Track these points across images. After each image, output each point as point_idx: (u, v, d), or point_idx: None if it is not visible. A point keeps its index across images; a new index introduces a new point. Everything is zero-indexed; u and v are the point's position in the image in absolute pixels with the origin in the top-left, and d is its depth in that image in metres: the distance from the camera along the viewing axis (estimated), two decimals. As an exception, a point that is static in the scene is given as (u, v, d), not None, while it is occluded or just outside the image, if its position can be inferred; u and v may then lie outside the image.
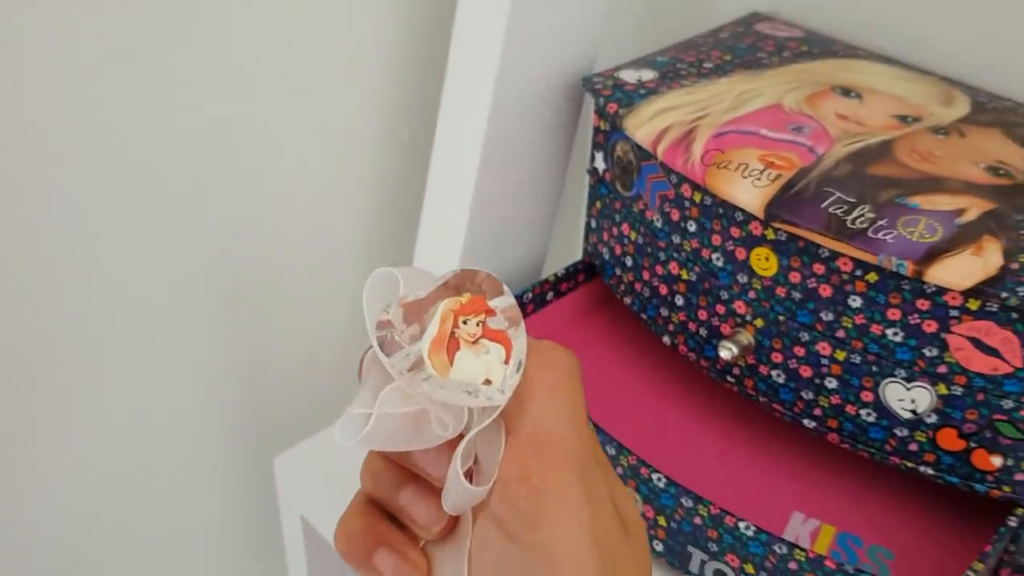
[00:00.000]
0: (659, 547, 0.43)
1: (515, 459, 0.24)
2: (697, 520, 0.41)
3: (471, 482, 0.24)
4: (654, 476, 0.41)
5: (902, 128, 0.43)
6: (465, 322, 0.24)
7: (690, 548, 0.42)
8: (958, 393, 0.38)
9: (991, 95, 0.47)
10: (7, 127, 0.43)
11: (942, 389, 0.38)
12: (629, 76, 0.48)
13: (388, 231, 0.65)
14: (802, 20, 0.56)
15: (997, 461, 0.38)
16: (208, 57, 0.49)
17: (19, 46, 0.42)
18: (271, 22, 0.51)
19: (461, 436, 0.24)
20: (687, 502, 0.41)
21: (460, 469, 0.23)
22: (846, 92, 0.46)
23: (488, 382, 0.24)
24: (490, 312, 0.25)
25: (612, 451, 0.43)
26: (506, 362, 0.24)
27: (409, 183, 0.63)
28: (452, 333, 0.24)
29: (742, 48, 0.50)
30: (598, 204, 0.51)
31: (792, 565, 0.38)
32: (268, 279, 0.60)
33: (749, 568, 0.40)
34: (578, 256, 0.57)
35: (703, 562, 0.42)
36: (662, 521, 0.42)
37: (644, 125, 0.43)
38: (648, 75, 0.48)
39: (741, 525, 0.39)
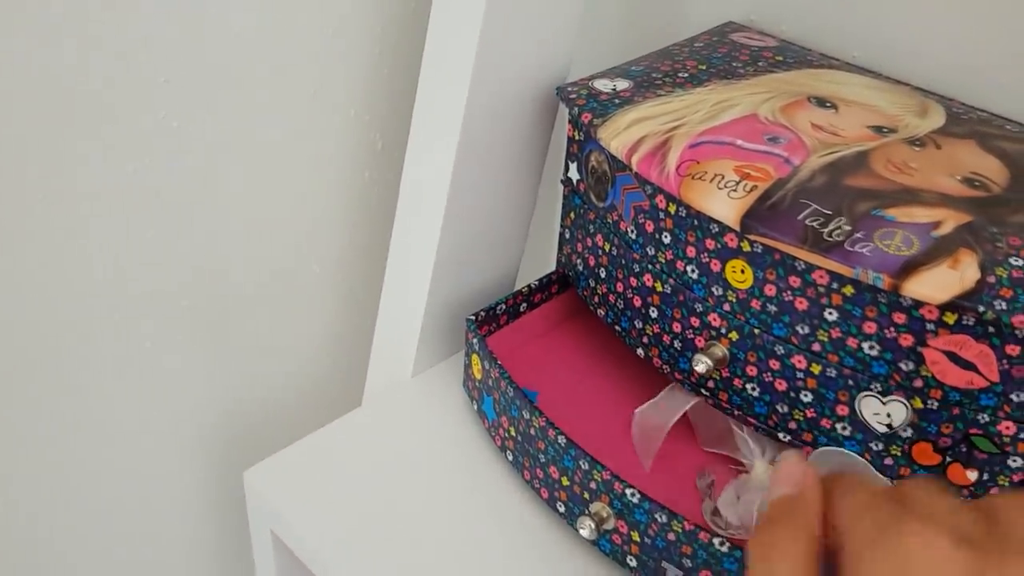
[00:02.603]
0: (632, 562, 0.43)
1: None
2: (671, 536, 0.40)
3: None
4: (627, 491, 0.41)
5: (877, 139, 0.42)
6: None
7: (664, 563, 0.41)
8: (934, 407, 0.37)
9: (965, 106, 0.47)
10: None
11: (918, 403, 0.37)
12: (603, 85, 0.47)
13: (363, 240, 0.64)
14: (776, 30, 0.55)
15: (972, 475, 0.38)
16: (183, 68, 0.48)
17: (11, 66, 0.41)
18: (244, 31, 0.50)
19: None
20: (661, 517, 0.40)
21: None
22: (821, 102, 0.45)
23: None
24: None
25: (585, 466, 0.42)
26: None
27: (383, 192, 0.62)
28: None
29: (717, 58, 0.50)
30: (572, 215, 0.51)
31: None
32: (241, 292, 0.59)
33: None
34: (550, 266, 0.57)
35: None
36: (635, 536, 0.42)
37: (619, 135, 0.43)
38: (623, 84, 0.47)
39: (715, 541, 0.39)
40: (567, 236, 0.52)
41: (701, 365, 0.42)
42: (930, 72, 0.50)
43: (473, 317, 0.50)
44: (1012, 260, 0.35)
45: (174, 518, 0.63)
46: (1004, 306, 0.33)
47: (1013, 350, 0.34)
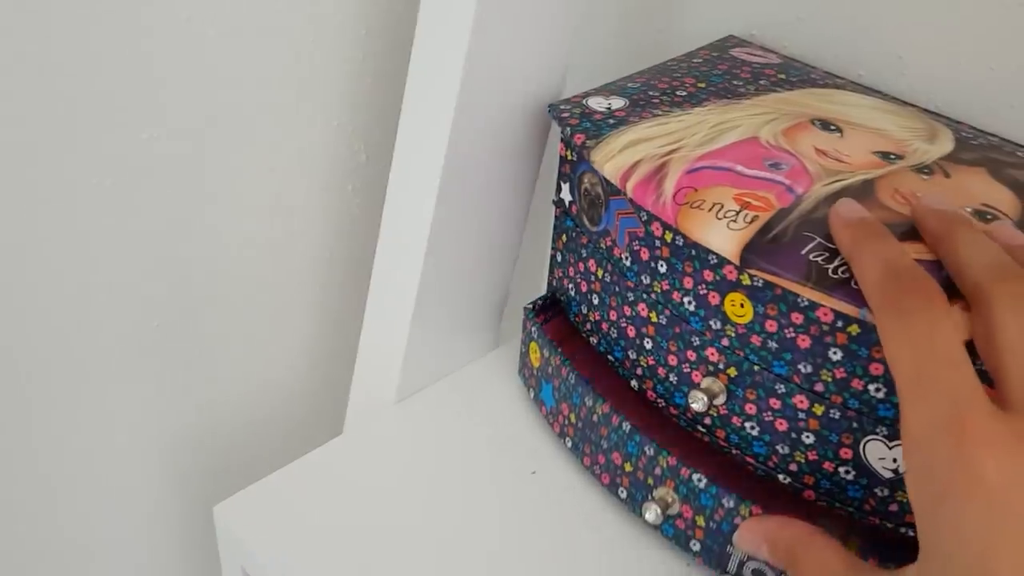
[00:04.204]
0: (696, 547, 0.42)
1: None
2: (738, 520, 0.39)
3: None
4: (694, 476, 0.40)
5: (884, 166, 0.40)
6: None
7: (729, 548, 0.41)
8: (943, 453, 0.35)
9: (975, 130, 0.45)
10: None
11: (926, 449, 0.35)
12: (598, 104, 0.45)
13: (344, 255, 0.62)
14: (779, 45, 0.53)
15: (982, 525, 0.36)
16: (157, 75, 0.46)
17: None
18: (221, 38, 0.47)
19: None
20: (728, 503, 0.39)
21: None
22: (825, 125, 0.43)
23: None
24: None
25: (651, 451, 0.42)
26: None
27: (367, 205, 0.60)
28: None
29: (717, 75, 0.48)
30: (564, 237, 0.48)
31: None
32: (215, 310, 0.56)
33: None
34: (541, 286, 0.55)
35: (742, 562, 0.41)
36: (700, 521, 0.41)
37: (613, 158, 0.41)
38: (618, 103, 0.45)
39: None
40: (559, 259, 0.50)
41: (698, 403, 0.40)
42: (938, 93, 0.48)
43: (531, 306, 0.50)
44: (1028, 302, 0.33)
45: (140, 552, 0.61)
46: (1020, 352, 0.31)
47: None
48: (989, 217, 0.37)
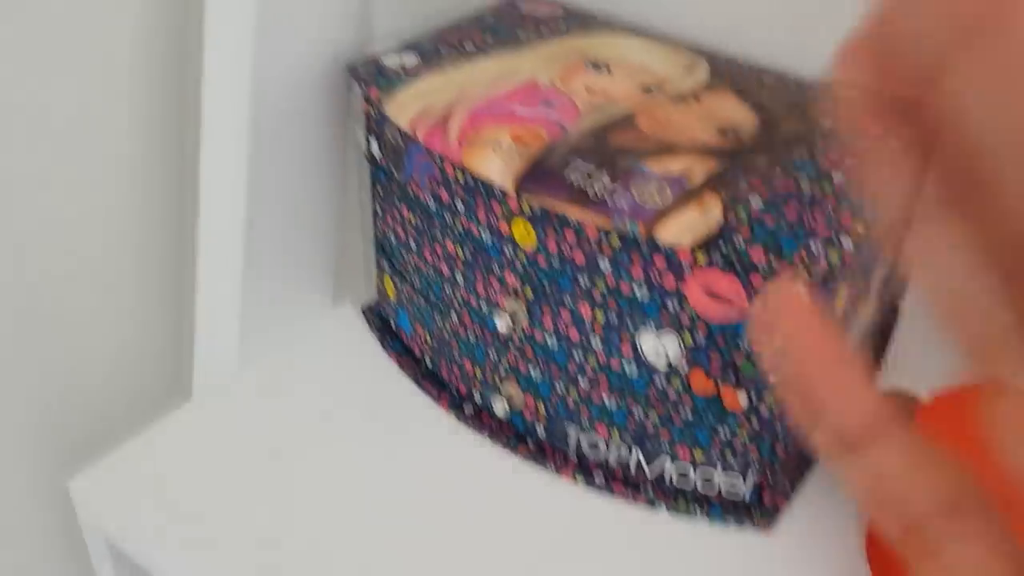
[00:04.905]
0: (541, 432, 0.49)
1: None
2: (571, 403, 0.46)
3: None
4: (531, 370, 0.47)
5: (645, 98, 0.46)
6: None
7: (567, 426, 0.47)
8: (701, 340, 0.41)
9: (731, 60, 0.51)
10: None
11: (688, 338, 0.41)
12: (391, 61, 0.48)
13: (173, 231, 0.63)
14: (566, -3, 0.58)
15: (743, 398, 0.42)
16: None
17: None
18: (14, 22, 0.48)
19: None
20: (560, 388, 0.46)
21: None
22: (597, 66, 0.48)
23: None
24: None
25: (493, 356, 0.48)
26: None
27: (192, 181, 0.62)
28: None
29: (503, 28, 0.52)
30: (379, 188, 0.52)
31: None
32: (59, 287, 0.57)
33: (615, 435, 0.46)
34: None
35: (578, 440, 0.47)
36: (541, 409, 0.48)
37: (405, 109, 0.45)
38: (410, 60, 0.49)
39: (607, 402, 0.45)
40: (378, 211, 0.53)
41: (501, 323, 0.45)
42: (702, 29, 0.53)
43: (378, 246, 0.54)
44: (752, 200, 0.39)
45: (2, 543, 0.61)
46: (742, 242, 0.37)
47: (757, 281, 0.38)
48: (730, 134, 0.43)
